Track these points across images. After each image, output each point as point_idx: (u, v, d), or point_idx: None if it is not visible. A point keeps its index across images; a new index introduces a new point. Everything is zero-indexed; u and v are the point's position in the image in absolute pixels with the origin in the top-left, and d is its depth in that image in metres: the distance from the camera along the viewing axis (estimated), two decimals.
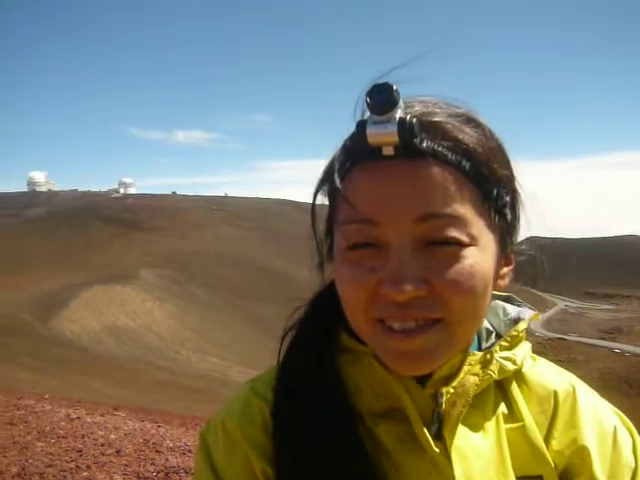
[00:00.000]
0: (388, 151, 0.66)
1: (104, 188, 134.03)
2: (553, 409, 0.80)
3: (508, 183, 0.73)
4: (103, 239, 75.49)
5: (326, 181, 0.76)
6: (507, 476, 0.75)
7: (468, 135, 0.70)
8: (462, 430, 0.75)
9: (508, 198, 0.73)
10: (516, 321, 0.82)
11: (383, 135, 0.66)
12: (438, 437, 0.73)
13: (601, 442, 0.79)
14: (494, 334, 0.83)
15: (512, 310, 0.85)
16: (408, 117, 0.65)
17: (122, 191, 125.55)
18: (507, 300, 0.89)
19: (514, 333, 0.80)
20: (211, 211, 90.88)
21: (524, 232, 0.79)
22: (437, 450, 0.72)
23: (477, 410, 0.77)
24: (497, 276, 0.76)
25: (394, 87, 0.65)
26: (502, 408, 0.79)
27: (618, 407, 0.86)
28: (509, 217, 0.74)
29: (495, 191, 0.71)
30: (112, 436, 6.33)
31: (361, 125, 0.67)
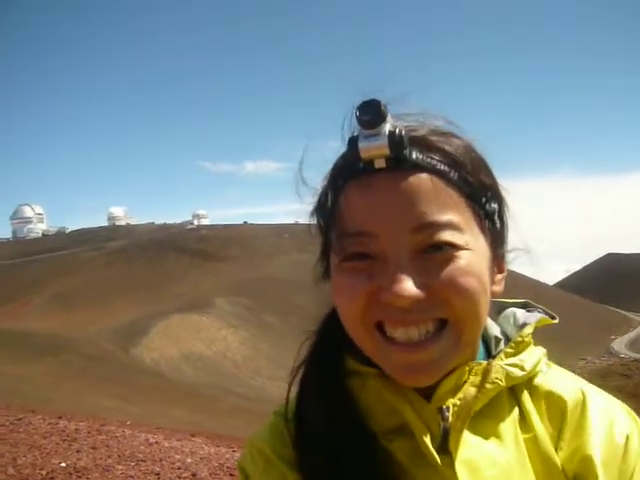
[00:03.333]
0: (380, 164, 0.70)
1: (179, 220, 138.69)
2: (562, 418, 0.79)
3: (494, 191, 0.76)
4: (179, 269, 77.82)
5: (321, 203, 0.79)
6: None
7: (453, 146, 0.73)
8: (474, 440, 0.75)
9: (495, 206, 0.76)
10: (523, 326, 0.82)
11: (375, 148, 0.69)
12: (445, 451, 0.74)
13: (608, 451, 0.76)
14: (502, 341, 0.83)
15: (521, 315, 0.85)
16: (397, 130, 0.69)
17: (196, 223, 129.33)
18: (524, 306, 0.88)
19: (519, 339, 0.80)
20: (282, 238, 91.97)
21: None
22: (441, 464, 0.73)
23: (490, 419, 0.77)
24: (492, 281, 0.77)
25: (382, 102, 0.69)
26: (517, 416, 0.78)
27: None
28: (498, 225, 0.77)
29: (483, 199, 0.74)
30: (188, 460, 6.45)
31: (353, 141, 0.71)
